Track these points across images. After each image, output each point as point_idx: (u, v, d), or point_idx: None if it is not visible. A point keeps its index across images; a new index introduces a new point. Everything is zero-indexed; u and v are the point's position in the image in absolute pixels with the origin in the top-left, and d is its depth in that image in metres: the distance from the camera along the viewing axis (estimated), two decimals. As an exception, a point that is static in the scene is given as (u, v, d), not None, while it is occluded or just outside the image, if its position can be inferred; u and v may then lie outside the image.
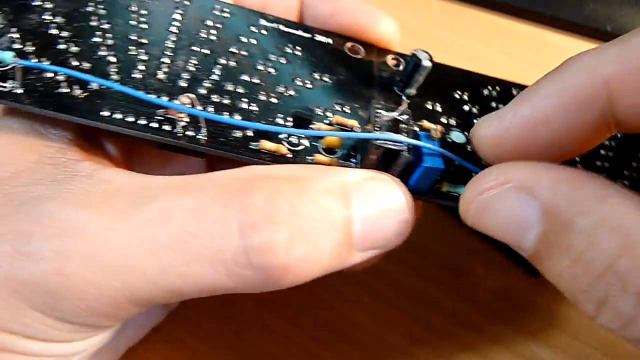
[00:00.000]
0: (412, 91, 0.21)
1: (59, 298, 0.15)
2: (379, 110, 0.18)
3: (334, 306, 0.25)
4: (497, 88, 0.23)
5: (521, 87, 0.23)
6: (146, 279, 0.15)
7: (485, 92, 0.23)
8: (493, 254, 0.27)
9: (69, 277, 0.14)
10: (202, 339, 0.24)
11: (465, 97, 0.22)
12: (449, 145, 0.19)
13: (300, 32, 0.22)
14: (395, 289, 0.26)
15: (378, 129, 0.17)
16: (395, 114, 0.18)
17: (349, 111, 0.20)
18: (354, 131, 0.19)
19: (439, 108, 0.21)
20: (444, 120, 0.21)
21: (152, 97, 0.17)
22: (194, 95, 0.17)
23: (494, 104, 0.22)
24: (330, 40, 0.22)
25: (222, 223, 0.15)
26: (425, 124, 0.20)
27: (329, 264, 0.16)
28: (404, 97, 0.18)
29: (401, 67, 0.22)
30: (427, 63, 0.20)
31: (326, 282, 0.26)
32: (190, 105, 0.17)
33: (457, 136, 0.19)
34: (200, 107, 0.17)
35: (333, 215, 0.16)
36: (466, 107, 0.22)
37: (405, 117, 0.18)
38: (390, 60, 0.23)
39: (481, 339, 0.25)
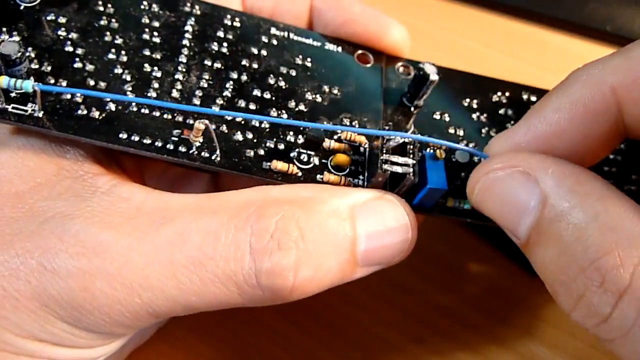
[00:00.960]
0: (420, 102, 0.21)
1: (84, 312, 0.16)
2: (387, 130, 0.18)
3: (334, 306, 0.25)
4: (507, 93, 0.23)
5: (531, 90, 0.23)
6: (166, 296, 0.16)
7: (495, 98, 0.23)
8: (493, 253, 0.27)
9: (94, 293, 0.15)
10: (202, 339, 0.24)
11: (474, 105, 0.22)
12: (454, 165, 0.19)
13: (310, 41, 0.22)
14: (395, 289, 0.26)
15: (386, 153, 0.18)
16: (405, 138, 0.18)
17: (357, 125, 0.20)
18: (357, 151, 0.19)
19: (447, 118, 0.22)
20: (451, 131, 0.21)
21: (183, 106, 0.18)
22: (207, 121, 0.17)
23: (502, 111, 0.22)
24: (339, 49, 0.22)
25: (236, 246, 0.16)
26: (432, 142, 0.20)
27: (333, 281, 0.17)
28: (412, 126, 0.19)
29: (410, 76, 0.22)
30: (434, 77, 0.20)
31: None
32: (199, 134, 0.17)
33: (462, 156, 0.19)
34: (213, 132, 0.18)
35: (339, 237, 0.17)
36: (474, 116, 0.22)
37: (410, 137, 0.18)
38: (400, 68, 0.23)
39: (480, 338, 0.25)
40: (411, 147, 0.18)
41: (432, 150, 0.19)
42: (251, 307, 0.17)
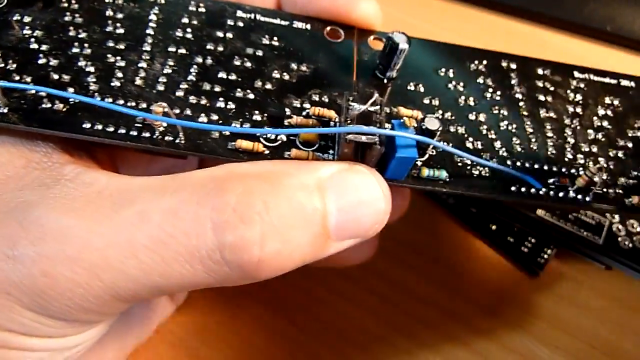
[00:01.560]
0: (393, 74, 0.21)
1: (48, 298, 0.15)
2: (351, 103, 0.18)
3: (334, 306, 0.25)
4: (485, 62, 0.23)
5: (510, 57, 0.23)
6: (128, 278, 0.15)
7: (472, 66, 0.22)
8: (492, 253, 0.27)
9: (56, 278, 0.15)
10: (202, 339, 0.24)
11: (451, 74, 0.22)
12: (424, 133, 0.18)
13: (277, 21, 0.22)
14: (396, 289, 0.26)
15: (350, 122, 0.17)
16: (365, 107, 0.18)
17: (327, 100, 0.20)
18: (327, 127, 0.19)
19: (421, 89, 0.21)
20: (426, 101, 0.21)
21: (126, 109, 0.17)
22: (165, 104, 0.17)
23: (481, 80, 0.22)
24: (308, 26, 0.22)
25: (197, 222, 0.15)
26: (402, 111, 0.20)
27: (306, 256, 0.17)
28: (376, 94, 0.18)
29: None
30: (404, 46, 0.20)
31: (326, 282, 0.26)
32: (163, 114, 0.17)
33: (432, 123, 0.18)
34: (173, 114, 0.18)
35: (308, 209, 0.16)
36: (451, 86, 0.21)
37: (377, 107, 0.18)
38: (372, 41, 0.22)
39: (480, 337, 0.25)
40: (378, 116, 0.18)
41: (401, 120, 0.18)
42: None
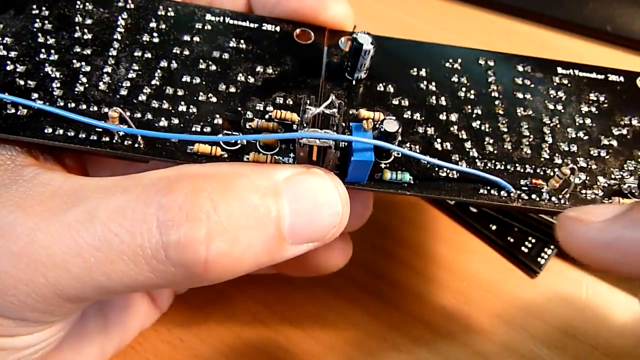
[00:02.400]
0: (361, 75, 0.20)
1: None
2: (308, 106, 0.17)
3: (334, 306, 0.25)
4: (460, 60, 0.22)
5: (487, 56, 0.22)
6: (71, 276, 0.15)
7: (447, 64, 0.22)
8: (492, 253, 0.27)
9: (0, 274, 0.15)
10: (202, 339, 0.24)
11: (423, 73, 0.21)
12: (383, 135, 0.18)
13: (246, 23, 0.22)
14: (395, 289, 0.26)
15: (306, 126, 0.17)
16: (320, 109, 0.17)
17: (291, 103, 0.20)
18: (289, 130, 0.19)
19: (391, 89, 0.21)
20: (396, 102, 0.20)
21: (84, 118, 0.18)
22: (120, 110, 0.17)
23: (455, 79, 0.21)
24: (277, 28, 0.22)
25: (143, 221, 0.15)
26: (362, 113, 0.19)
27: (259, 258, 0.16)
28: (332, 96, 0.18)
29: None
30: (368, 47, 0.19)
31: (326, 282, 0.26)
32: (119, 118, 0.18)
33: (390, 125, 0.18)
34: (129, 119, 0.18)
35: (260, 210, 0.16)
36: (422, 85, 0.21)
37: (334, 110, 0.17)
38: (344, 42, 0.22)
39: (480, 337, 0.25)
40: (335, 119, 0.17)
41: (360, 122, 0.18)
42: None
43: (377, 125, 0.18)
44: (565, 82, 0.22)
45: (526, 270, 0.27)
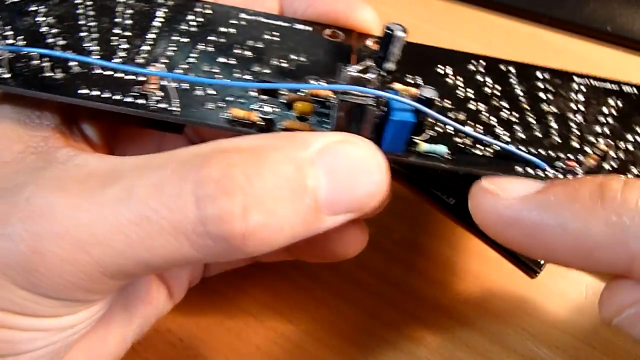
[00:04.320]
0: (391, 66, 0.20)
1: (39, 276, 0.16)
2: (344, 67, 0.17)
3: (333, 306, 0.25)
4: (483, 63, 0.23)
5: (507, 63, 0.23)
6: (115, 252, 0.16)
7: (471, 67, 0.22)
8: (492, 253, 0.27)
9: (45, 255, 0.15)
10: (203, 339, 0.24)
11: (450, 72, 0.22)
12: (422, 102, 0.18)
13: (279, 22, 0.23)
14: (395, 289, 0.26)
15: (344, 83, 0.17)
16: (360, 67, 0.17)
17: (324, 84, 0.20)
18: (323, 107, 0.19)
19: (420, 81, 0.21)
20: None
21: (122, 65, 0.18)
22: (162, 65, 0.18)
23: (480, 77, 0.22)
24: (309, 28, 0.23)
25: (180, 196, 0.15)
26: (397, 85, 0.19)
27: (297, 229, 0.16)
28: (371, 61, 0.18)
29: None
30: (399, 34, 0.19)
31: (326, 282, 0.26)
32: (157, 79, 0.18)
33: (429, 92, 0.18)
34: (168, 74, 0.18)
35: (295, 182, 0.16)
36: (450, 80, 0.21)
37: (372, 76, 0.17)
38: (370, 43, 0.23)
39: (480, 338, 0.25)
40: (372, 84, 0.17)
41: (396, 90, 0.18)
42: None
43: (417, 95, 0.18)
44: (583, 88, 0.22)
45: (526, 270, 0.26)
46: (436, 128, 0.19)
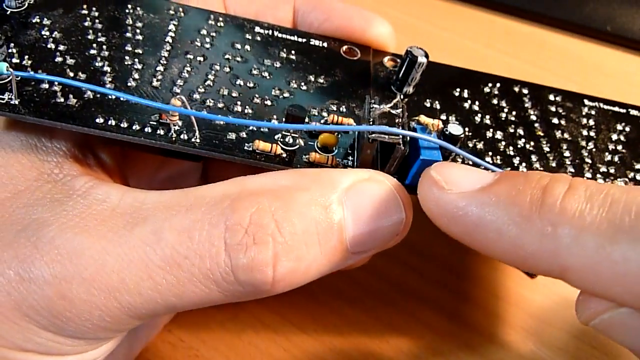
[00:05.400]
0: (409, 89, 0.21)
1: (65, 320, 0.15)
2: (373, 105, 0.18)
3: (334, 307, 0.25)
4: (498, 85, 0.23)
5: (522, 84, 0.23)
6: (144, 299, 0.15)
7: (486, 89, 0.23)
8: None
9: (72, 301, 0.15)
10: (202, 339, 0.24)
11: (465, 95, 0.22)
12: (447, 138, 0.18)
13: (294, 37, 0.22)
14: (395, 289, 0.26)
15: (372, 123, 0.17)
16: (388, 106, 0.17)
17: (345, 110, 0.20)
18: (348, 125, 0.19)
19: (437, 105, 0.21)
20: (443, 117, 0.21)
21: (143, 100, 0.17)
22: (183, 98, 0.17)
23: (495, 101, 0.22)
24: (325, 44, 0.22)
25: (210, 243, 0.15)
26: (422, 118, 0.19)
27: (323, 269, 0.17)
28: (399, 95, 0.18)
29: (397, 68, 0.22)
30: (422, 60, 0.20)
31: (327, 283, 0.26)
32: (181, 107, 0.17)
33: (455, 129, 0.18)
34: (190, 109, 0.18)
35: (322, 225, 0.16)
36: (466, 104, 0.22)
37: (398, 111, 0.18)
38: (387, 61, 0.23)
39: (480, 338, 0.25)
40: (400, 120, 0.17)
41: (424, 125, 0.18)
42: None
43: (442, 130, 0.18)
44: (593, 112, 0.23)
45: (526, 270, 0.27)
46: (457, 159, 0.19)
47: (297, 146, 0.18)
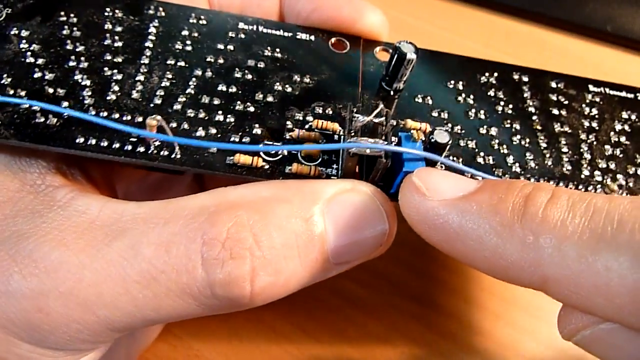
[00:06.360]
0: (399, 85, 0.20)
1: (43, 332, 0.15)
2: (355, 114, 0.17)
3: (334, 306, 0.25)
4: (495, 74, 0.22)
5: (522, 70, 0.22)
6: (121, 313, 0.15)
7: (483, 79, 0.22)
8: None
9: (49, 314, 0.15)
10: (202, 339, 0.24)
11: (460, 87, 0.21)
12: (433, 146, 0.18)
13: (280, 32, 0.21)
14: (396, 290, 0.26)
15: (354, 135, 0.17)
16: (370, 118, 0.17)
17: (331, 112, 0.19)
18: (330, 140, 0.19)
19: (429, 101, 0.20)
20: (435, 114, 0.20)
21: (119, 125, 0.17)
22: (159, 117, 0.17)
23: (492, 92, 0.21)
24: (312, 37, 0.21)
25: (187, 258, 0.15)
26: (409, 123, 0.19)
27: (302, 281, 0.17)
28: (381, 104, 0.17)
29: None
30: (411, 56, 0.19)
31: (326, 283, 0.26)
32: (157, 127, 0.17)
33: (441, 137, 0.17)
34: (168, 128, 0.17)
35: (303, 237, 0.16)
36: (460, 98, 0.21)
37: (382, 119, 0.17)
38: (378, 52, 0.22)
39: (481, 338, 0.25)
40: (383, 127, 0.17)
41: (409, 132, 0.18)
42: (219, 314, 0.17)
43: (428, 137, 0.18)
44: (598, 99, 0.22)
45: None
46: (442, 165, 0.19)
47: (280, 156, 0.18)
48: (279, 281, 0.16)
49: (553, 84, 0.22)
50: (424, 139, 0.18)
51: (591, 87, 0.22)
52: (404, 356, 0.24)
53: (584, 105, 0.22)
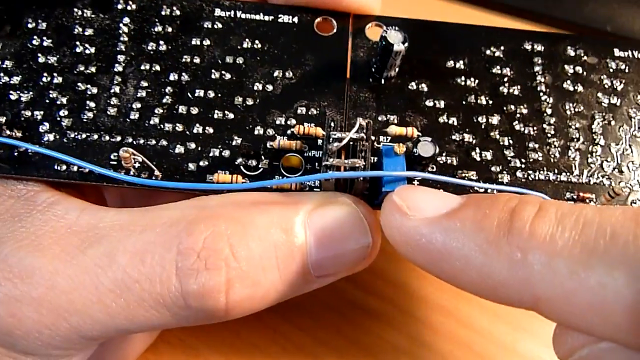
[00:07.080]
0: (392, 73, 0.19)
1: (15, 337, 0.15)
2: (333, 132, 0.16)
3: (334, 306, 0.25)
4: (502, 47, 0.19)
5: (535, 39, 0.19)
6: (93, 321, 0.15)
7: (488, 52, 0.19)
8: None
9: (21, 319, 0.15)
10: (202, 339, 0.24)
11: (461, 65, 0.19)
12: (417, 160, 0.16)
13: (260, 16, 0.20)
14: (396, 290, 0.26)
15: (331, 156, 0.16)
16: (346, 139, 0.16)
17: (316, 112, 0.18)
18: (313, 147, 0.18)
19: (424, 87, 0.19)
20: (429, 103, 0.18)
21: (93, 166, 0.17)
22: (131, 150, 0.17)
23: (497, 69, 0.19)
24: (295, 19, 0.20)
25: (161, 267, 0.15)
26: (393, 129, 0.17)
27: (282, 294, 0.16)
28: (359, 119, 0.16)
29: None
30: (399, 47, 0.17)
31: (327, 284, 0.26)
32: (131, 156, 0.17)
33: (425, 149, 0.16)
34: (141, 157, 0.17)
35: (282, 249, 0.16)
36: (460, 80, 0.19)
37: (361, 135, 0.16)
38: (370, 29, 0.20)
39: (481, 339, 0.25)
40: (362, 143, 0.16)
41: (390, 146, 0.16)
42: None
43: (412, 147, 0.17)
44: (623, 66, 0.19)
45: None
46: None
47: (261, 169, 0.17)
48: (256, 293, 0.15)
49: (570, 52, 0.19)
50: (405, 151, 0.16)
51: (617, 52, 0.19)
52: (404, 356, 0.24)
53: (603, 77, 0.19)
